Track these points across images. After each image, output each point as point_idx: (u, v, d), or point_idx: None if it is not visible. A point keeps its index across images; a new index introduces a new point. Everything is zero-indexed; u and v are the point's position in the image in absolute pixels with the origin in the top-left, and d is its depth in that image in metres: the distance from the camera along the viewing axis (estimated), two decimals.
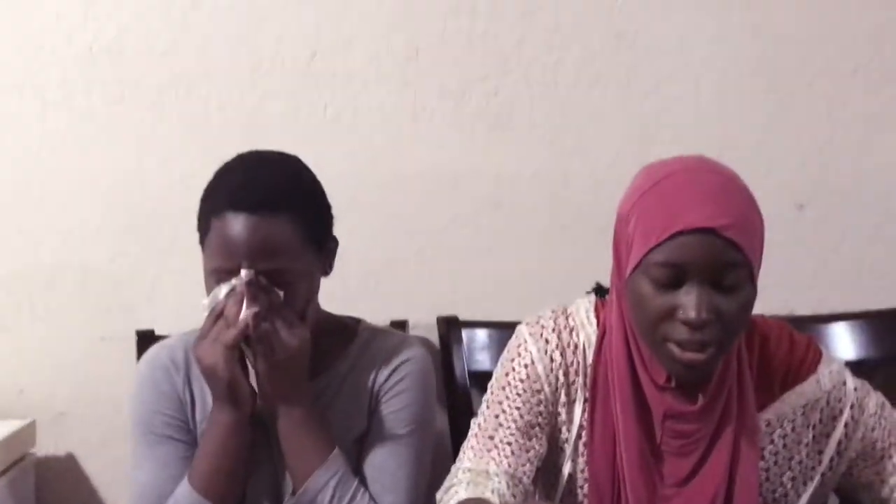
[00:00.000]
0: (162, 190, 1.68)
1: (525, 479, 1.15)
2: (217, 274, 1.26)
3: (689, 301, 1.03)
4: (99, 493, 1.69)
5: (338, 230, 1.35)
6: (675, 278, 1.04)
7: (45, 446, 1.67)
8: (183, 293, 1.67)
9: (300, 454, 1.26)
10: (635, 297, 1.08)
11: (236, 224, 1.23)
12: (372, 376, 1.34)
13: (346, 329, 1.39)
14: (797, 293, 1.75)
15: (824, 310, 1.73)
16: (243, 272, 1.21)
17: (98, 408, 1.68)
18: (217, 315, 1.24)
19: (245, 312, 1.21)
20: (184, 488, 1.26)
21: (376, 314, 1.57)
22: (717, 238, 1.02)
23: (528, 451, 1.17)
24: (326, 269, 1.33)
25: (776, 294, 1.73)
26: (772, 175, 1.75)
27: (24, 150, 1.66)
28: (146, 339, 1.58)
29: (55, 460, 1.68)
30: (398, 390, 1.33)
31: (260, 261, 1.23)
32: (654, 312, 1.06)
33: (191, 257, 1.67)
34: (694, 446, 1.13)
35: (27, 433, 1.63)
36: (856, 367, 1.44)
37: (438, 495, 1.18)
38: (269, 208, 1.24)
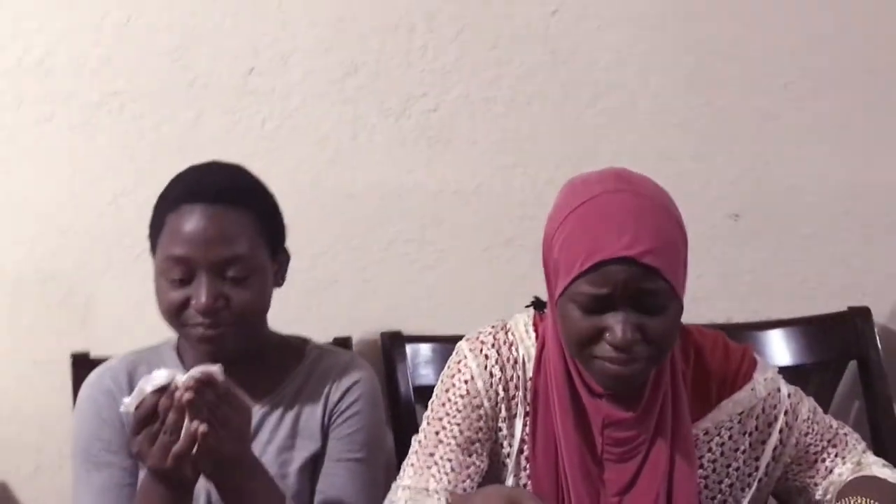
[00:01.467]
0: (95, 209, 1.64)
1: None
2: (171, 266, 1.23)
3: (614, 324, 1.06)
4: None
5: None
6: (600, 304, 1.07)
7: None
8: (118, 314, 1.65)
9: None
10: (564, 320, 1.10)
11: (193, 214, 1.23)
12: (323, 397, 1.33)
13: (293, 348, 1.38)
14: (734, 301, 1.79)
15: (760, 317, 1.76)
16: (179, 378, 1.11)
17: (31, 434, 1.64)
18: (148, 413, 1.12)
19: (192, 426, 1.10)
20: None
21: (320, 331, 1.56)
22: (636, 266, 1.04)
23: (468, 468, 1.17)
24: (279, 279, 1.33)
25: (713, 302, 1.77)
26: (708, 187, 1.79)
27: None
28: (81, 362, 1.56)
29: None
30: (352, 412, 1.32)
31: (217, 247, 1.22)
32: (582, 335, 1.09)
33: (126, 277, 1.66)
34: (633, 453, 1.15)
35: None
36: (791, 372, 1.48)
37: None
38: (227, 199, 1.24)
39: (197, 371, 1.12)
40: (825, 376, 1.71)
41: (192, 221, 1.22)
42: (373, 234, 1.72)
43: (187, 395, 1.09)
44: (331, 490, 1.29)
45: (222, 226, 1.23)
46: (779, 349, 1.72)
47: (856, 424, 1.54)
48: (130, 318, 1.63)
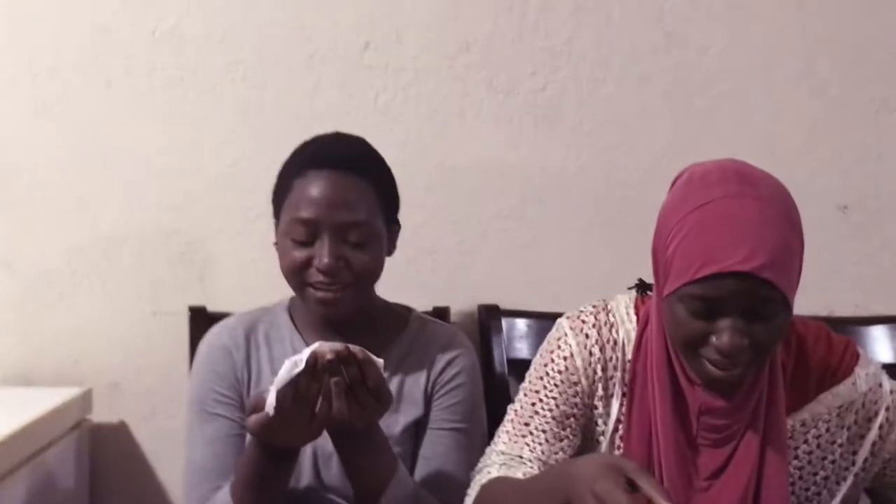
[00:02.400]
0: (216, 173, 1.73)
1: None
2: (297, 227, 1.28)
3: (722, 331, 1.06)
4: (149, 461, 1.76)
5: None
6: (709, 310, 1.07)
7: (99, 414, 1.73)
8: (234, 273, 1.74)
9: (366, 474, 1.24)
10: (671, 318, 1.11)
11: (319, 178, 1.29)
12: (427, 366, 1.37)
13: (398, 316, 1.43)
14: (838, 294, 1.76)
15: (864, 312, 1.74)
16: (323, 346, 1.12)
17: (149, 380, 1.74)
18: (291, 398, 1.13)
19: (333, 405, 1.12)
20: (224, 497, 1.25)
21: (419, 300, 1.61)
22: (753, 279, 1.03)
23: (561, 441, 1.20)
24: (391, 248, 1.38)
25: (817, 295, 1.74)
26: (817, 176, 1.76)
27: (86, 128, 1.72)
28: (198, 316, 1.65)
29: (109, 428, 1.75)
30: (455, 383, 1.37)
31: (342, 211, 1.28)
32: (688, 336, 1.09)
33: (242, 238, 1.74)
34: (727, 440, 1.16)
35: (84, 401, 1.70)
36: (893, 370, 1.46)
37: (472, 475, 1.23)
38: (351, 167, 1.30)
39: (340, 345, 1.13)
40: None
41: (318, 186, 1.29)
42: (475, 209, 1.76)
43: (329, 356, 1.12)
44: (434, 456, 1.34)
45: (346, 192, 1.29)
46: (881, 346, 1.68)
47: None
48: (245, 277, 1.72)
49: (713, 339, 1.07)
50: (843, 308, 1.74)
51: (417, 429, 1.37)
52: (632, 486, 0.96)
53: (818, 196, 1.76)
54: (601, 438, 1.22)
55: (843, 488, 1.19)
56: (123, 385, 1.75)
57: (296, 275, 1.31)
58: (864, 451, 1.19)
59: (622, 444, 1.20)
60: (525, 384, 1.25)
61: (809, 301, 1.73)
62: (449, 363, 1.38)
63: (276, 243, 1.35)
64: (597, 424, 1.22)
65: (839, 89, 1.75)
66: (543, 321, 1.65)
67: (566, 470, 1.02)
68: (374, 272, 1.34)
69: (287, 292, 1.38)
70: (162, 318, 1.73)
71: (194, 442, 1.35)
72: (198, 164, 1.73)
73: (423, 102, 1.73)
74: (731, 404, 1.14)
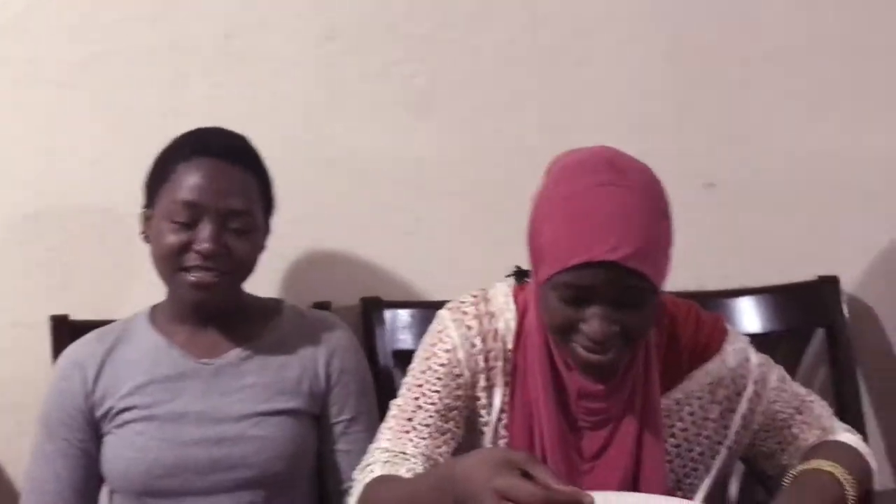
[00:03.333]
0: (74, 173, 1.63)
1: (441, 462, 1.18)
2: (179, 210, 1.28)
3: (592, 318, 1.08)
4: (14, 485, 1.64)
5: None
6: (579, 298, 1.08)
7: None
8: (98, 279, 1.65)
9: None
10: (545, 305, 1.12)
11: (206, 164, 1.30)
12: (310, 355, 1.38)
13: (270, 307, 1.44)
14: (706, 268, 1.81)
15: (732, 284, 1.80)
16: None
17: (10, 396, 1.64)
18: None
19: None
20: None
21: (300, 296, 1.58)
22: (619, 268, 1.05)
23: (445, 434, 1.20)
24: (263, 244, 1.39)
25: (686, 270, 1.78)
26: (683, 155, 1.80)
27: None
28: (60, 325, 1.56)
29: None
30: (351, 371, 1.41)
31: (228, 198, 1.29)
32: (561, 323, 1.11)
33: (106, 243, 1.65)
34: (605, 422, 1.18)
35: None
36: (761, 339, 1.52)
37: (355, 474, 1.21)
38: (237, 158, 1.33)
39: None
40: (793, 344, 1.75)
41: (205, 171, 1.30)
42: (352, 202, 1.72)
43: None
44: (354, 449, 1.34)
45: (233, 180, 1.31)
46: (749, 316, 1.75)
47: (821, 391, 1.58)
48: (109, 284, 1.64)
49: (584, 326, 1.09)
50: (712, 282, 1.80)
51: (295, 418, 1.36)
52: (525, 477, 0.96)
53: (685, 174, 1.78)
54: (484, 429, 1.22)
55: (718, 462, 1.23)
56: None
57: (171, 259, 1.30)
58: (735, 425, 1.23)
59: (505, 433, 1.21)
60: (407, 379, 1.24)
61: (680, 276, 1.79)
62: (335, 351, 1.40)
63: (142, 233, 1.34)
64: (480, 415, 1.22)
65: (702, 68, 1.79)
66: (427, 310, 1.63)
67: (451, 472, 1.01)
68: (251, 264, 1.35)
69: (151, 297, 1.35)
70: (21, 329, 1.63)
71: (37, 456, 1.37)
72: (52, 166, 1.63)
73: (292, 94, 1.68)
74: (608, 388, 1.16)
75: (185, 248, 1.29)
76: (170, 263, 1.31)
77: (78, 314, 1.58)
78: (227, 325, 1.38)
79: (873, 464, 1.23)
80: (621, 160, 1.11)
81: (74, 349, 1.40)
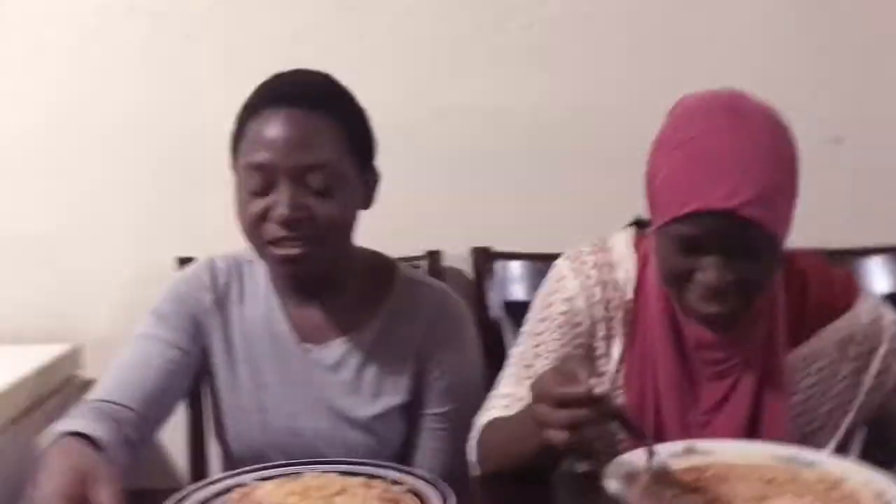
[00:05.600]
0: (197, 121, 1.69)
1: None
2: (251, 175, 1.13)
3: (707, 268, 1.04)
4: None
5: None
6: (695, 246, 1.04)
7: (91, 370, 1.71)
8: (221, 221, 1.70)
9: None
10: (659, 252, 1.09)
11: (275, 118, 1.13)
12: (415, 340, 1.25)
13: (380, 279, 1.28)
14: (833, 227, 1.74)
15: (860, 243, 1.73)
16: None
17: None
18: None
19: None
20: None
21: (411, 245, 1.59)
22: (735, 217, 1.01)
23: None
24: (367, 200, 1.23)
25: (812, 226, 1.72)
26: (811, 108, 1.72)
27: (64, 78, 1.67)
28: (186, 266, 1.61)
29: None
30: (452, 363, 1.26)
31: (300, 152, 1.12)
32: (675, 271, 1.07)
33: (228, 187, 1.70)
34: (725, 374, 1.15)
35: (73, 357, 1.68)
36: (892, 300, 1.45)
37: (475, 419, 1.22)
38: (310, 103, 1.15)
39: None
40: None
41: (274, 126, 1.13)
42: (465, 151, 1.73)
43: None
44: (438, 449, 1.26)
45: (306, 130, 1.13)
46: (878, 276, 1.69)
47: None
48: (233, 224, 1.67)
49: (699, 275, 1.05)
50: (839, 240, 1.73)
51: (405, 411, 1.26)
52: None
53: (812, 128, 1.69)
54: (602, 378, 1.20)
55: (847, 420, 1.19)
56: (113, 339, 1.71)
57: (253, 232, 1.16)
58: (867, 383, 1.19)
59: (622, 384, 1.19)
60: (526, 327, 1.24)
61: (805, 233, 1.73)
62: (444, 339, 1.25)
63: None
64: (598, 364, 1.21)
65: (832, 19, 1.73)
66: (537, 262, 1.64)
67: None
68: (343, 224, 1.18)
69: None
70: (149, 268, 1.69)
71: (135, 349, 1.23)
72: (180, 114, 1.68)
73: (410, 43, 1.69)
74: (727, 338, 1.13)
75: (263, 217, 1.14)
76: (253, 238, 1.16)
77: (203, 255, 1.62)
78: (333, 304, 1.24)
79: None
80: (744, 103, 1.07)
81: (203, 267, 1.27)
